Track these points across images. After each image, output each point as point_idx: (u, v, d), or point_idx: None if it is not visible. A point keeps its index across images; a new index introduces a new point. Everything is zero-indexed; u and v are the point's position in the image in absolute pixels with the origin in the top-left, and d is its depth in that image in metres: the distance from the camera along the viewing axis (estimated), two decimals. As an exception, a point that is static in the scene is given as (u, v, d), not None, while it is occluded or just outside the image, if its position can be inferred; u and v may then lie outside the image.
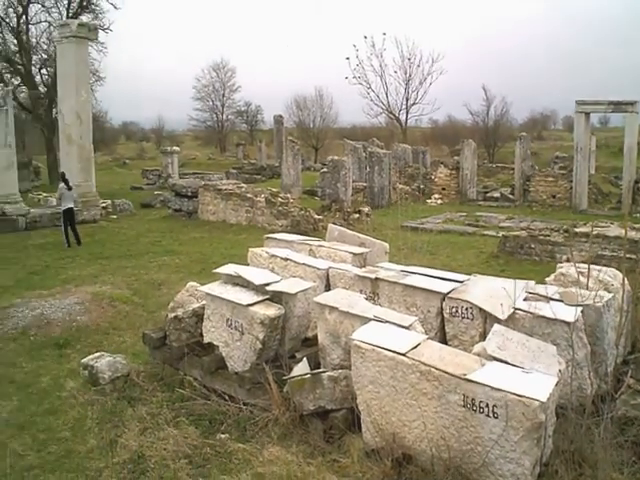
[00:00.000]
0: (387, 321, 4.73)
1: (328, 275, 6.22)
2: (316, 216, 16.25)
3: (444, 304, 5.25)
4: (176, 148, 31.14)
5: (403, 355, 4.12)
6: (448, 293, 5.26)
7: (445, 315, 5.24)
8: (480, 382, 3.73)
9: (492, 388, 3.66)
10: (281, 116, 40.89)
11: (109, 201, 19.61)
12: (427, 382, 3.96)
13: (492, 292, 5.13)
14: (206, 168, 36.46)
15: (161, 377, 5.96)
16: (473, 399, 3.74)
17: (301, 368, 5.02)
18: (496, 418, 3.65)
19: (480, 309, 4.98)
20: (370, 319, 4.78)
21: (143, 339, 6.42)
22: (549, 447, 3.87)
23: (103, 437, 4.95)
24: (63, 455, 4.78)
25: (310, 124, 48.82)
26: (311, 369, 5.02)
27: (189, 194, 18.40)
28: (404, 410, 4.11)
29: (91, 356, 6.21)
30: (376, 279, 5.79)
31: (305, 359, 5.16)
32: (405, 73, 42.25)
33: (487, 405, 3.68)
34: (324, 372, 4.78)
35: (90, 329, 7.70)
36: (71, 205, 14.18)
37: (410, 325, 4.69)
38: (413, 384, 4.03)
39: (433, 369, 3.94)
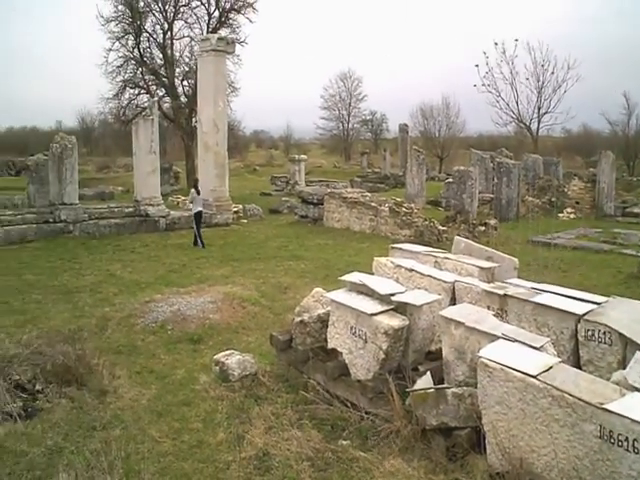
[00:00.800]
0: (516, 340, 4.56)
1: (454, 289, 6.11)
2: (440, 227, 16.03)
3: (579, 326, 4.96)
4: (303, 156, 32.06)
5: (534, 377, 3.95)
6: (584, 315, 4.97)
7: (580, 338, 4.96)
8: (619, 413, 3.49)
9: (633, 421, 3.42)
10: (406, 125, 40.77)
11: (240, 206, 20.61)
12: (559, 408, 3.78)
13: (634, 316, 4.79)
14: (331, 176, 37.17)
15: (286, 378, 6.18)
16: (611, 431, 3.52)
17: (424, 381, 4.96)
18: (637, 454, 3.40)
19: (620, 334, 4.66)
20: (498, 337, 4.63)
21: (270, 340, 6.67)
22: (698, 491, 3.54)
23: (231, 432, 5.21)
24: (195, 445, 5.08)
25: (435, 133, 48.19)
26: (434, 383, 4.96)
27: (315, 201, 18.89)
28: (533, 435, 3.95)
29: (222, 353, 6.56)
30: (505, 295, 5.60)
31: (429, 373, 5.10)
32: (538, 80, 40.42)
33: (627, 439, 3.44)
34: (448, 388, 4.70)
35: (221, 327, 8.14)
36: (201, 208, 15.34)
37: (542, 346, 4.49)
38: (544, 409, 3.87)
39: (567, 395, 3.75)
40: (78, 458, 4.69)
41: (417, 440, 4.69)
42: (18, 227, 15.32)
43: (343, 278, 6.32)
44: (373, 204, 17.17)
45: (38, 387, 5.92)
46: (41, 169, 16.43)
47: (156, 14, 30.71)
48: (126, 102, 31.46)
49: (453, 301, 6.02)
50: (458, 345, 5.04)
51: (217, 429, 5.31)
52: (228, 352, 6.59)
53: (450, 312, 5.26)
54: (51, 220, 15.95)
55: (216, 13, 30.68)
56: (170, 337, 7.83)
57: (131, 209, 17.47)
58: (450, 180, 21.16)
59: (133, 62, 30.93)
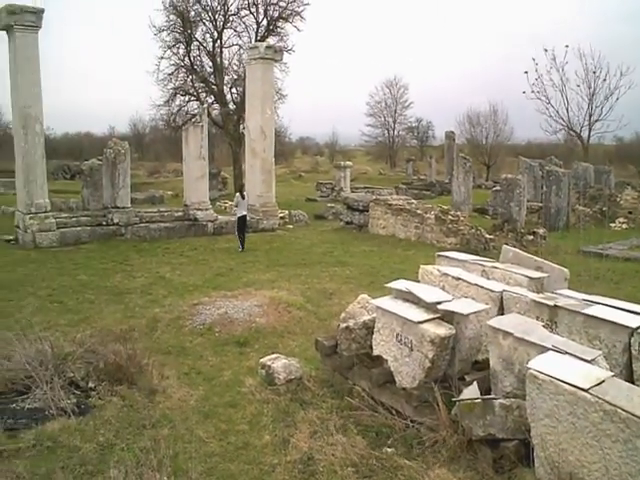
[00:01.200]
0: (567, 352, 4.48)
1: (502, 298, 6.03)
2: (487, 236, 15.81)
3: (632, 340, 4.83)
4: (349, 163, 32.15)
5: (585, 391, 3.88)
6: (638, 328, 4.84)
7: (633, 352, 4.83)
8: (676, 430, 3.40)
9: (690, 439, 3.33)
10: (452, 132, 40.36)
11: (286, 211, 20.83)
12: (611, 423, 3.69)
13: (691, 331, 4.64)
14: (376, 183, 37.16)
15: (331, 384, 6.21)
16: (666, 448, 3.42)
17: (471, 391, 4.93)
18: (694, 473, 3.31)
19: (676, 349, 4.53)
20: (548, 349, 4.56)
21: (315, 346, 6.72)
22: None
23: (277, 435, 5.28)
24: (241, 447, 5.17)
25: (483, 140, 47.51)
26: (481, 394, 4.91)
27: (360, 208, 18.90)
28: (583, 450, 3.87)
29: (268, 357, 6.65)
30: (555, 306, 5.49)
31: (475, 383, 5.06)
32: (589, 87, 39.31)
33: (683, 457, 3.35)
34: (496, 399, 4.65)
35: (267, 331, 8.24)
36: (245, 213, 15.53)
37: (593, 359, 4.40)
38: (595, 423, 3.78)
39: (619, 410, 3.66)
40: (128, 455, 4.83)
41: (463, 450, 4.65)
42: (73, 229, 15.88)
43: (389, 285, 6.32)
44: (419, 211, 17.07)
45: (91, 385, 6.13)
46: (95, 173, 16.98)
47: (206, 23, 31.33)
48: (176, 109, 32.16)
49: (501, 311, 5.94)
50: (506, 355, 4.98)
51: (263, 432, 5.39)
52: (274, 356, 6.67)
53: (498, 322, 5.20)
54: (104, 223, 16.46)
55: (264, 22, 31.07)
56: (217, 339, 7.97)
57: (180, 213, 17.87)
58: (497, 188, 20.84)
59: (184, 70, 31.61)
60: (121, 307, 9.59)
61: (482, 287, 6.21)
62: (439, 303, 5.63)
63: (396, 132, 61.42)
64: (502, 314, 5.76)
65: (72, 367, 6.22)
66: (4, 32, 15.37)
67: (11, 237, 15.85)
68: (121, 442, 5.13)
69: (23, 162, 15.28)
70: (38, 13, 14.87)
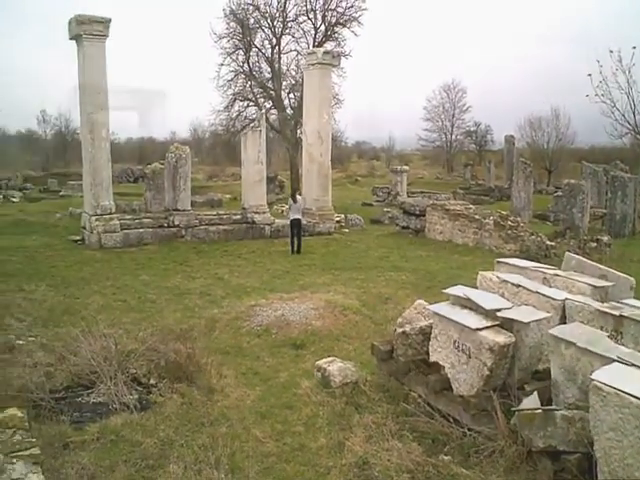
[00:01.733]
0: (633, 364, 4.32)
1: (564, 307, 5.86)
2: (548, 242, 15.39)
3: (703, 353, 4.62)
4: (405, 167, 31.90)
5: (653, 405, 3.74)
6: None
7: None
8: None
9: None
10: (512, 136, 39.51)
11: (342, 215, 20.88)
12: (682, 439, 3.55)
13: None
14: (433, 187, 36.74)
15: (387, 389, 6.18)
16: None
17: (531, 401, 4.82)
18: None
19: None
20: (613, 360, 4.41)
21: (372, 350, 6.71)
22: None
23: (332, 438, 5.30)
24: (297, 448, 5.21)
25: (544, 145, 46.20)
26: (541, 404, 4.80)
27: (417, 212, 18.76)
28: (651, 466, 3.72)
29: (324, 360, 6.69)
30: (620, 316, 5.31)
31: (535, 393, 4.94)
32: (658, 90, 37.62)
33: None
34: (557, 410, 4.53)
35: (323, 334, 8.28)
36: (298, 216, 15.60)
37: (661, 372, 4.23)
38: (664, 439, 3.64)
39: (691, 426, 3.52)
40: (187, 451, 4.95)
41: (522, 461, 4.54)
42: (136, 231, 16.42)
43: (446, 291, 6.24)
44: (477, 217, 16.81)
45: (152, 381, 6.32)
46: (157, 177, 17.50)
47: (265, 30, 31.87)
48: (235, 114, 32.78)
49: (563, 320, 5.78)
50: (568, 366, 4.85)
51: (318, 434, 5.42)
52: (330, 359, 6.71)
53: (560, 331, 5.07)
54: (165, 225, 16.94)
55: (322, 27, 31.36)
56: (274, 341, 8.07)
57: (238, 216, 18.19)
58: (559, 194, 20.28)
59: (243, 76, 32.22)
60: (181, 307, 9.85)
61: (544, 295, 6.05)
62: (498, 310, 5.52)
63: (454, 136, 60.58)
64: (564, 323, 5.61)
65: (135, 364, 6.41)
66: (74, 41, 16.05)
67: (78, 237, 16.52)
68: (180, 438, 5.25)
69: (90, 166, 15.91)
70: (105, 23, 15.47)
